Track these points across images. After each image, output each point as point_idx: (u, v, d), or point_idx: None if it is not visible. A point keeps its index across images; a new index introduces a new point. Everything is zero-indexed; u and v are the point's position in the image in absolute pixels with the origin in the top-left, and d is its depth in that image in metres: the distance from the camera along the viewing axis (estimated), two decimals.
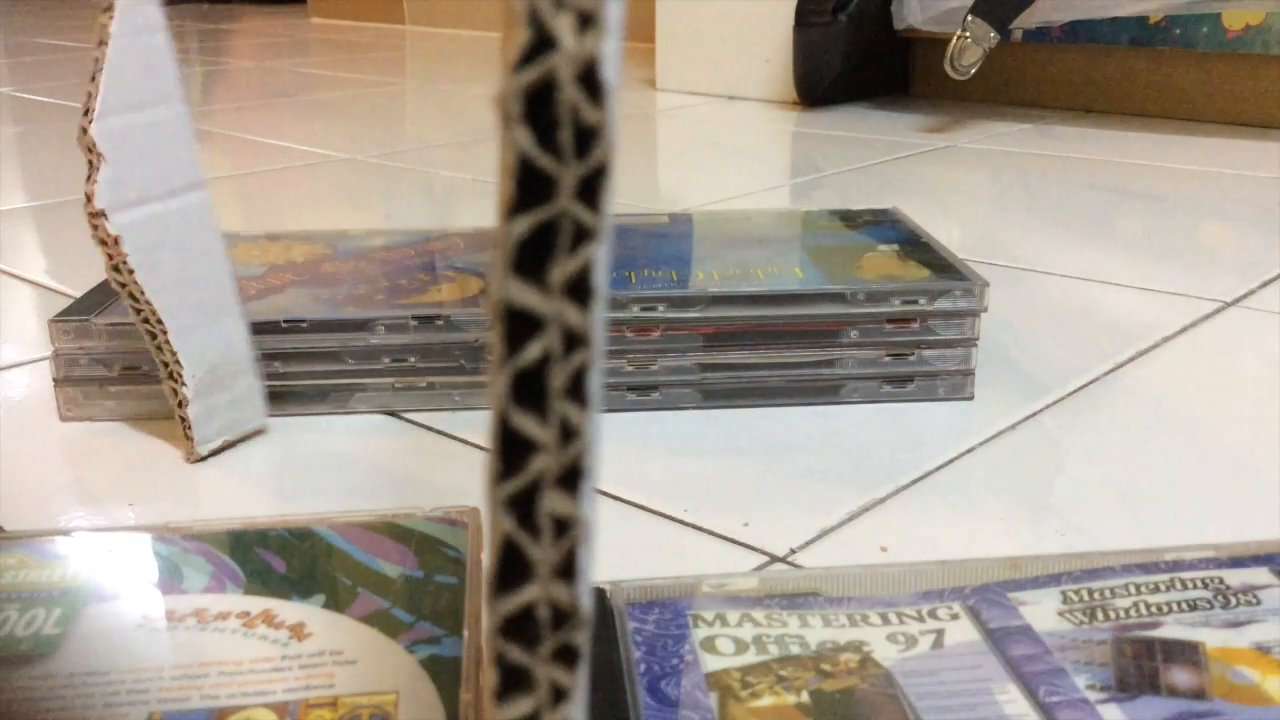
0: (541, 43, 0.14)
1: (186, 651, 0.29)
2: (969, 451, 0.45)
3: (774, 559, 0.37)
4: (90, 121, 0.41)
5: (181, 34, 2.31)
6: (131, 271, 0.42)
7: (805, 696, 0.27)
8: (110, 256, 0.42)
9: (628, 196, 0.89)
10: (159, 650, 0.29)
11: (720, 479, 0.43)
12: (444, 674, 0.28)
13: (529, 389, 0.16)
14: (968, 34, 1.12)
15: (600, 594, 0.31)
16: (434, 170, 1.01)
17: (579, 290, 0.15)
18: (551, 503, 0.16)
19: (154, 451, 0.46)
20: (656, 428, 0.48)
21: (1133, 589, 0.31)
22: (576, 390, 0.16)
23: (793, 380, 0.49)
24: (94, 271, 0.68)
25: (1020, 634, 0.30)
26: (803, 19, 1.26)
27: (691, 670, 0.28)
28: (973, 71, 1.13)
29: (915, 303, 0.48)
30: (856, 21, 1.26)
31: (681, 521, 0.40)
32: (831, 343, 0.49)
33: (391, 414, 0.49)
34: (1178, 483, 0.42)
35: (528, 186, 0.15)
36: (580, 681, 0.17)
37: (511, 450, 0.16)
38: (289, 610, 0.31)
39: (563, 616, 0.17)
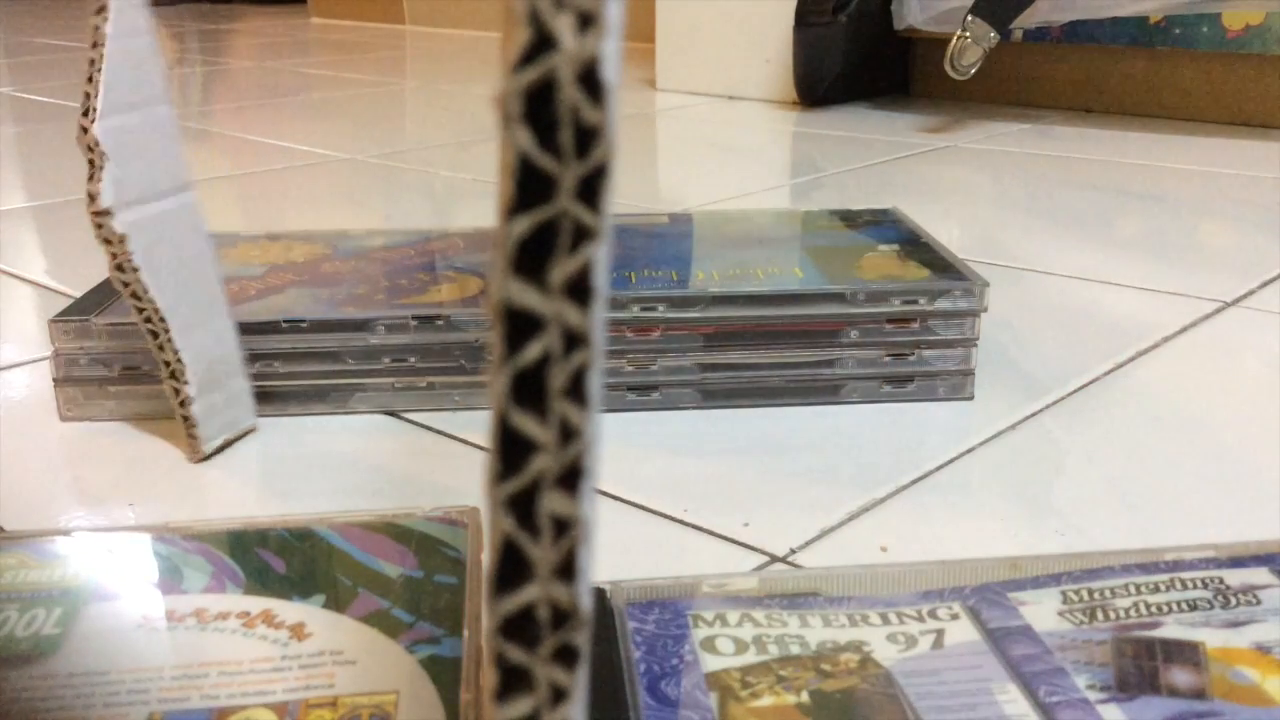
0: (542, 43, 0.14)
1: (186, 651, 0.29)
2: (969, 451, 0.45)
3: (774, 559, 0.37)
4: (91, 121, 0.41)
5: (181, 34, 2.31)
6: (135, 270, 0.42)
7: (805, 696, 0.27)
8: (114, 255, 0.42)
9: (628, 196, 0.89)
10: (159, 650, 0.29)
11: (720, 479, 0.43)
12: (444, 674, 0.28)
13: (529, 389, 0.16)
14: (968, 34, 1.12)
15: (600, 594, 0.31)
16: (434, 170, 1.01)
17: (579, 290, 0.15)
18: (551, 503, 0.16)
19: (154, 451, 0.46)
20: (656, 428, 0.48)
21: (1133, 589, 0.31)
22: (576, 390, 0.16)
23: (793, 380, 0.49)
24: (94, 271, 0.68)
25: (1020, 634, 0.30)
26: (803, 19, 1.26)
27: (691, 670, 0.28)
28: (973, 71, 1.13)
29: (915, 303, 0.48)
30: (856, 21, 1.26)
31: (681, 521, 0.40)
32: (831, 343, 0.49)
33: (391, 414, 0.49)
34: (1178, 483, 0.42)
35: (528, 186, 0.15)
36: (580, 681, 0.17)
37: (511, 450, 0.16)
38: (289, 610, 0.31)
39: (562, 616, 0.17)
